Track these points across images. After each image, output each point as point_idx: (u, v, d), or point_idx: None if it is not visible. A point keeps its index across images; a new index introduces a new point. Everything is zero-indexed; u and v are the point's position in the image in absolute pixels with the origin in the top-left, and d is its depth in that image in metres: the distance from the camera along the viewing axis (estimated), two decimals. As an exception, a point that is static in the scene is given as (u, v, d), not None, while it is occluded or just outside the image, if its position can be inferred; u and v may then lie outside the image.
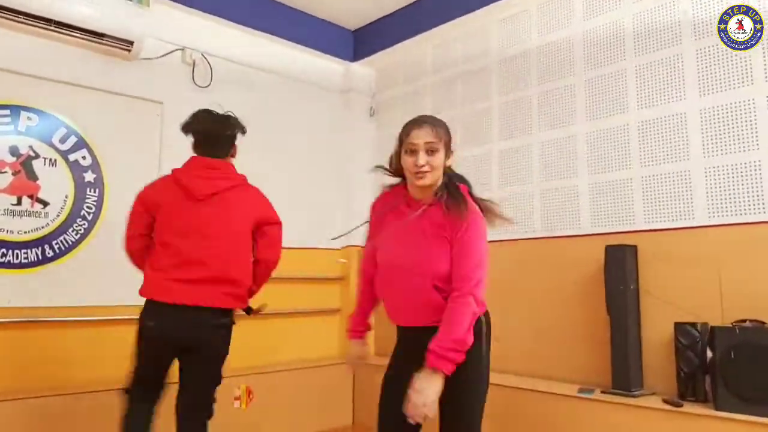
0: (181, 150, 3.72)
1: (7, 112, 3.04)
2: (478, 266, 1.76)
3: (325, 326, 4.29)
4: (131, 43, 3.29)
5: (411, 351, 1.81)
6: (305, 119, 4.33)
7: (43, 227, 3.12)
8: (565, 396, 3.02)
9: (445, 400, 1.72)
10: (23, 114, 3.09)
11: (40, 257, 3.10)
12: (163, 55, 3.56)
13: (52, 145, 3.18)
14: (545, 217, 3.48)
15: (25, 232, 3.06)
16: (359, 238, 4.41)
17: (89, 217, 3.28)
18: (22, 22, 2.93)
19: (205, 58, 3.75)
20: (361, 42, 4.54)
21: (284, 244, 4.39)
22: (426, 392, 1.62)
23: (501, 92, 3.78)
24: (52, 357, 3.04)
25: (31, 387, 2.92)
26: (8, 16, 2.88)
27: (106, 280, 3.23)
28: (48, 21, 2.99)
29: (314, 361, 4.07)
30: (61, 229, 3.18)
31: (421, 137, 1.82)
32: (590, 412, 2.91)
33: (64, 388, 2.95)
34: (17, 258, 3.03)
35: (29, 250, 3.07)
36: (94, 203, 3.31)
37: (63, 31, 3.07)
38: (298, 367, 3.91)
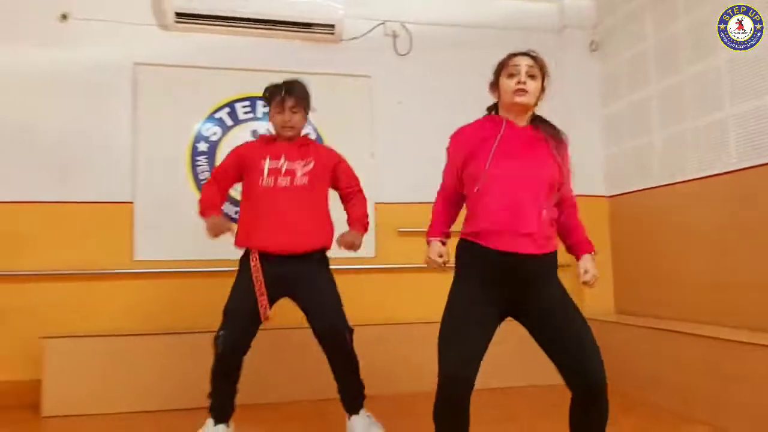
0: (389, 116, 4.10)
1: (248, 103, 3.81)
2: None
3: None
4: (332, 26, 3.76)
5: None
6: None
7: (281, 193, 3.82)
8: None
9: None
10: (258, 103, 3.82)
11: (280, 218, 3.80)
12: (364, 34, 3.93)
13: (282, 126, 3.86)
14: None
15: (268, 198, 3.79)
16: (585, 186, 4.11)
17: (316, 183, 3.87)
18: (244, 27, 3.66)
19: (405, 27, 4.01)
20: (572, -27, 4.18)
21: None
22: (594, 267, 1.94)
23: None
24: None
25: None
26: (233, 24, 3.64)
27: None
28: (264, 22, 3.66)
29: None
30: (295, 194, 3.83)
31: (523, 62, 1.94)
32: None
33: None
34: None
35: (272, 213, 3.80)
36: (319, 171, 3.89)
37: (277, 28, 3.71)
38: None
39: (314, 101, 3.80)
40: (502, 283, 1.85)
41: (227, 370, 2.47)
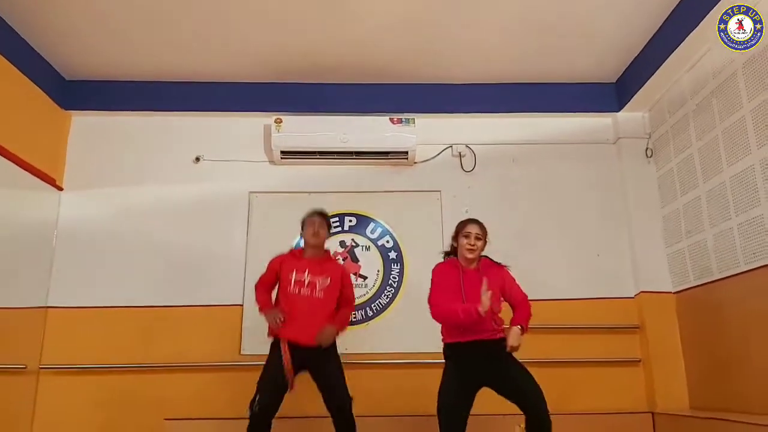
0: (456, 224, 4.58)
1: (337, 219, 4.51)
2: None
3: (624, 377, 4.22)
4: (406, 153, 4.45)
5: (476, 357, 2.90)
6: (577, 177, 4.61)
7: (364, 295, 4.37)
8: None
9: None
10: (346, 218, 4.52)
11: (364, 316, 4.33)
12: (433, 157, 4.58)
13: (366, 236, 4.50)
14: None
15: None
16: (651, 283, 4.29)
17: (395, 285, 4.41)
18: (332, 159, 4.46)
19: (469, 148, 4.61)
20: (622, 89, 4.61)
21: (573, 295, 4.52)
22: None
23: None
24: (383, 389, 4.11)
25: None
26: (324, 157, 4.45)
27: (410, 332, 4.21)
28: (349, 153, 4.43)
29: (608, 411, 4.06)
30: (376, 295, 4.38)
31: (474, 229, 3.03)
32: None
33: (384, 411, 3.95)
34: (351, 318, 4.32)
35: (357, 312, 4.33)
36: (398, 274, 4.43)
37: (360, 158, 4.47)
38: (590, 412, 3.99)
39: (393, 215, 4.50)
40: (473, 363, 2.86)
41: (259, 429, 3.17)
